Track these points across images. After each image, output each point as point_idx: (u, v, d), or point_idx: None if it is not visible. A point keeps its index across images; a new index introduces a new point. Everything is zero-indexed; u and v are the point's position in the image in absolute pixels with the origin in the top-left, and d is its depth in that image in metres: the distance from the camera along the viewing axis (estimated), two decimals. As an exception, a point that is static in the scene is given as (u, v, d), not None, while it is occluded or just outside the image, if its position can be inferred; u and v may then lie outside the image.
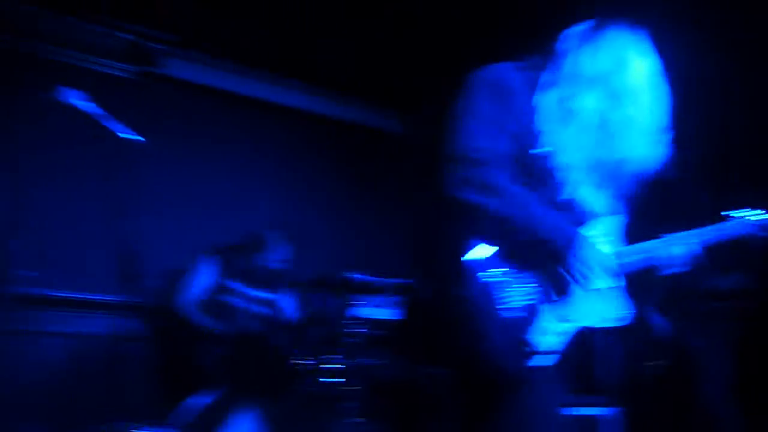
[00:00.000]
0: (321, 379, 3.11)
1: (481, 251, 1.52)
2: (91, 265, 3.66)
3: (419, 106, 4.96)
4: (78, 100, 2.45)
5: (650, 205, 1.71)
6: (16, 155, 3.60)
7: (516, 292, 1.54)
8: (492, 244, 1.53)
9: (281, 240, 3.80)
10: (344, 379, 3.13)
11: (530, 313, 1.54)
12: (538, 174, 1.58)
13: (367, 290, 3.35)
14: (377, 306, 3.48)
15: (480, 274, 1.50)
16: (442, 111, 1.63)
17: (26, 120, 3.65)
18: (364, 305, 3.45)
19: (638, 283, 1.67)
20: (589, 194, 1.62)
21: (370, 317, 3.36)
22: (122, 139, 2.42)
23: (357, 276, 3.29)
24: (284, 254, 3.81)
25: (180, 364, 3.63)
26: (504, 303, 1.52)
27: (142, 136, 2.44)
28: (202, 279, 3.63)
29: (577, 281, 1.56)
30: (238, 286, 3.70)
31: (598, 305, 1.63)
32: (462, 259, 1.50)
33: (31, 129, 3.67)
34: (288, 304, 3.87)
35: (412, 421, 3.63)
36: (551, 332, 1.56)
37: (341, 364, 3.17)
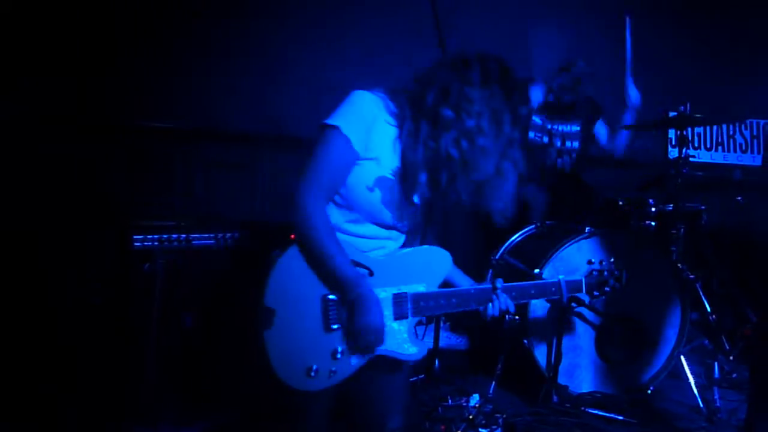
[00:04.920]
0: (638, 220, 3.02)
1: None
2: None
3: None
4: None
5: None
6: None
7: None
8: None
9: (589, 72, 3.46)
10: (661, 222, 3.01)
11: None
12: None
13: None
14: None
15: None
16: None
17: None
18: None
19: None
20: None
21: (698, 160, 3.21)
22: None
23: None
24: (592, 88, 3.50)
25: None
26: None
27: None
28: None
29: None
30: (542, 120, 3.51)
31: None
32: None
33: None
34: (601, 135, 3.64)
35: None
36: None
37: (661, 206, 3.08)
